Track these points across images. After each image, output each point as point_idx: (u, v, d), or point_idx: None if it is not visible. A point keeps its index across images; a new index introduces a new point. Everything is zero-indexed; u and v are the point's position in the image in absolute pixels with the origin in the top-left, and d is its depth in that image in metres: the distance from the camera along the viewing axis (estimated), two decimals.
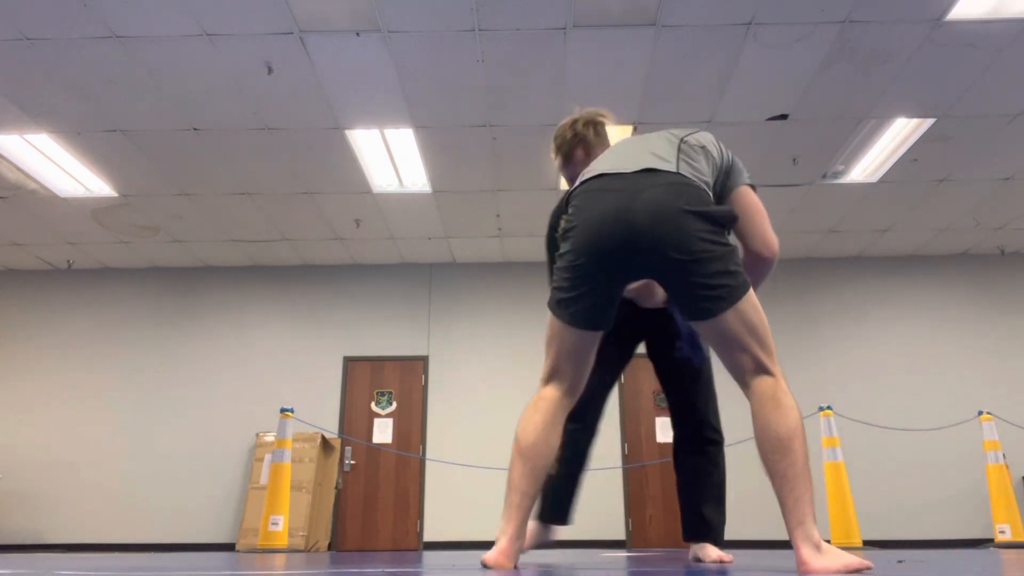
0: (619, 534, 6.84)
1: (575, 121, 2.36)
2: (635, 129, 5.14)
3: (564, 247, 1.72)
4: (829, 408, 5.05)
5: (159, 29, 4.08)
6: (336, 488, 6.95)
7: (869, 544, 5.42)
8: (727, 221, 1.65)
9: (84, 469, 7.11)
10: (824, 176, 5.88)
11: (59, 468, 7.11)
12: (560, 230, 1.76)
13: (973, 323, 7.38)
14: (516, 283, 7.61)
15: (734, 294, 1.59)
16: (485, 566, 1.62)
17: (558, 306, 1.74)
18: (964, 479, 6.85)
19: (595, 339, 1.76)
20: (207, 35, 4.14)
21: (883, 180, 5.92)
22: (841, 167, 5.75)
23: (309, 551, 6.05)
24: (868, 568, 1.42)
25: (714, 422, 2.48)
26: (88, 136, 5.16)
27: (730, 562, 2.32)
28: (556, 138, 2.32)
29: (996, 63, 4.43)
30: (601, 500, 6.92)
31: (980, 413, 5.39)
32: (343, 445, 7.07)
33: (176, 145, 5.30)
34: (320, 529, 6.61)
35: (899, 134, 5.30)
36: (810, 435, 6.86)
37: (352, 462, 7.10)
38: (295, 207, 6.33)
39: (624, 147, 1.83)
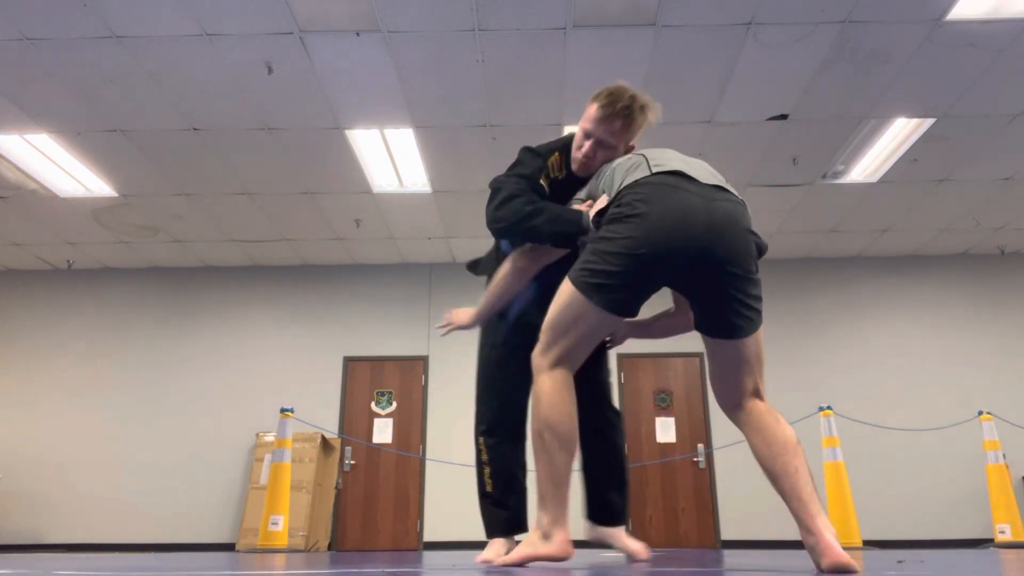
0: None
1: (637, 95, 2.15)
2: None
3: (622, 230, 1.64)
4: (829, 408, 5.05)
5: (159, 29, 4.08)
6: (336, 488, 6.95)
7: (869, 544, 5.42)
8: (763, 250, 1.75)
9: (84, 469, 7.11)
10: (824, 176, 5.88)
11: (59, 468, 7.11)
12: (615, 211, 1.70)
13: (973, 323, 7.38)
14: None
15: (760, 320, 1.72)
16: (554, 559, 1.67)
17: (595, 289, 1.67)
18: (964, 479, 6.85)
19: (613, 327, 1.75)
20: (207, 35, 4.14)
21: (883, 180, 5.92)
22: (841, 167, 5.75)
23: (309, 551, 6.05)
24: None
25: (613, 401, 2.48)
26: (88, 136, 5.16)
27: (648, 556, 2.34)
28: (618, 98, 2.08)
29: (996, 63, 4.43)
30: None
31: (980, 413, 5.39)
32: (343, 445, 7.07)
33: (176, 145, 5.30)
34: (320, 529, 6.61)
35: (899, 134, 5.30)
36: (810, 435, 6.87)
37: (352, 462, 7.10)
38: (295, 207, 6.33)
39: (680, 156, 1.85)
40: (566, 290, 1.73)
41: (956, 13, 3.99)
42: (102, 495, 7.02)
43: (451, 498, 6.94)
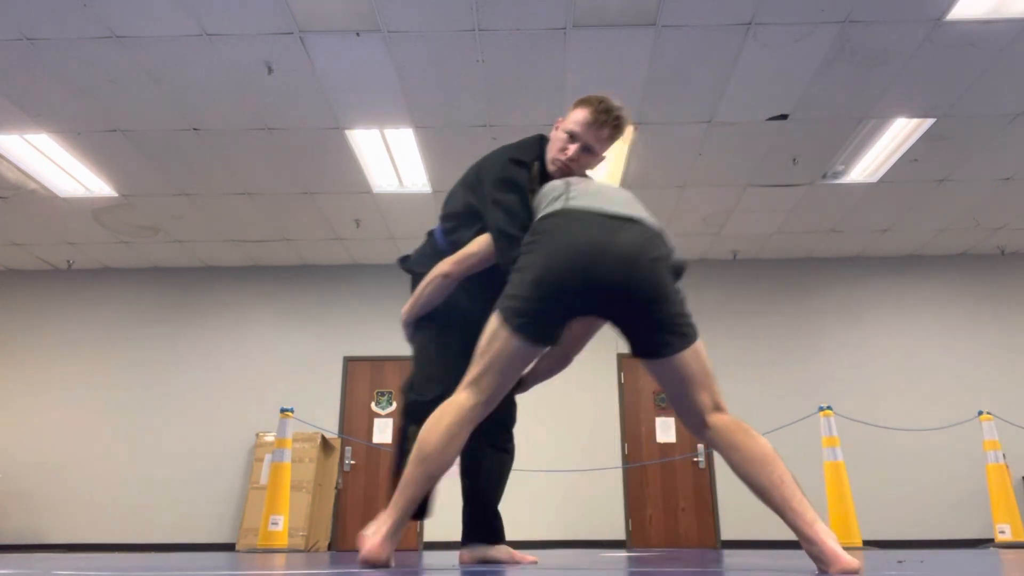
0: (619, 534, 6.84)
1: (623, 108, 2.12)
2: (635, 129, 5.14)
3: (529, 259, 1.73)
4: (829, 408, 5.05)
5: (159, 29, 4.08)
6: (336, 488, 6.95)
7: (869, 544, 5.42)
8: (681, 271, 1.80)
9: (84, 469, 7.11)
10: (824, 176, 5.88)
11: (59, 468, 7.11)
12: (527, 240, 1.77)
13: (973, 323, 7.38)
14: None
15: (693, 334, 1.73)
16: (360, 554, 1.68)
17: (511, 315, 1.72)
18: (964, 479, 6.84)
19: (531, 357, 1.77)
20: (207, 35, 4.14)
21: (883, 180, 5.92)
22: (841, 167, 5.75)
23: (309, 551, 6.05)
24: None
25: (513, 429, 2.46)
26: (88, 136, 5.16)
27: (535, 561, 2.37)
28: (610, 106, 2.07)
29: (996, 63, 4.43)
30: (601, 500, 6.92)
31: (980, 413, 5.39)
32: (343, 445, 7.07)
33: (176, 145, 5.30)
34: (320, 529, 6.61)
35: (899, 134, 5.30)
36: (810, 435, 6.87)
37: (352, 462, 7.10)
38: (295, 207, 6.33)
39: (604, 186, 1.91)
40: (493, 317, 1.78)
41: (956, 13, 3.99)
42: (102, 495, 7.02)
43: (451, 498, 6.94)
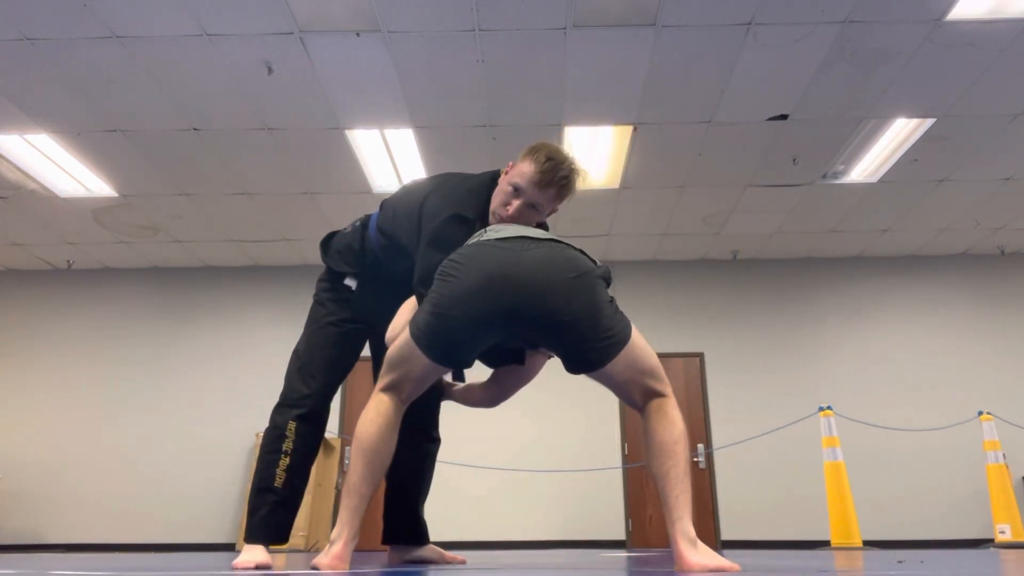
0: (619, 534, 6.84)
1: (574, 163, 2.01)
2: (635, 129, 5.14)
3: (437, 291, 1.70)
4: (829, 408, 5.05)
5: (159, 29, 4.08)
6: (336, 488, 6.95)
7: (869, 544, 5.41)
8: (607, 279, 1.74)
9: (84, 469, 7.10)
10: (824, 176, 5.88)
11: (59, 468, 7.11)
12: (438, 273, 1.73)
13: (973, 323, 7.38)
14: None
15: (620, 343, 1.68)
16: (317, 568, 1.63)
17: (420, 340, 1.72)
18: (964, 479, 6.84)
19: (446, 371, 1.80)
20: (207, 35, 4.14)
21: (883, 180, 5.92)
22: (841, 167, 5.75)
23: (309, 551, 6.05)
24: (736, 570, 1.51)
25: (437, 428, 2.45)
26: (88, 136, 5.16)
27: (463, 562, 2.36)
28: (559, 163, 1.94)
29: (996, 63, 4.43)
30: (601, 500, 6.92)
31: (980, 413, 5.39)
32: (343, 445, 7.07)
33: (176, 145, 5.30)
34: (320, 529, 6.61)
35: (899, 134, 5.30)
36: (810, 435, 6.87)
37: None
38: (295, 207, 6.33)
39: (524, 228, 1.86)
40: (407, 332, 1.77)
41: (956, 13, 3.99)
42: (102, 495, 7.02)
43: (451, 498, 6.94)
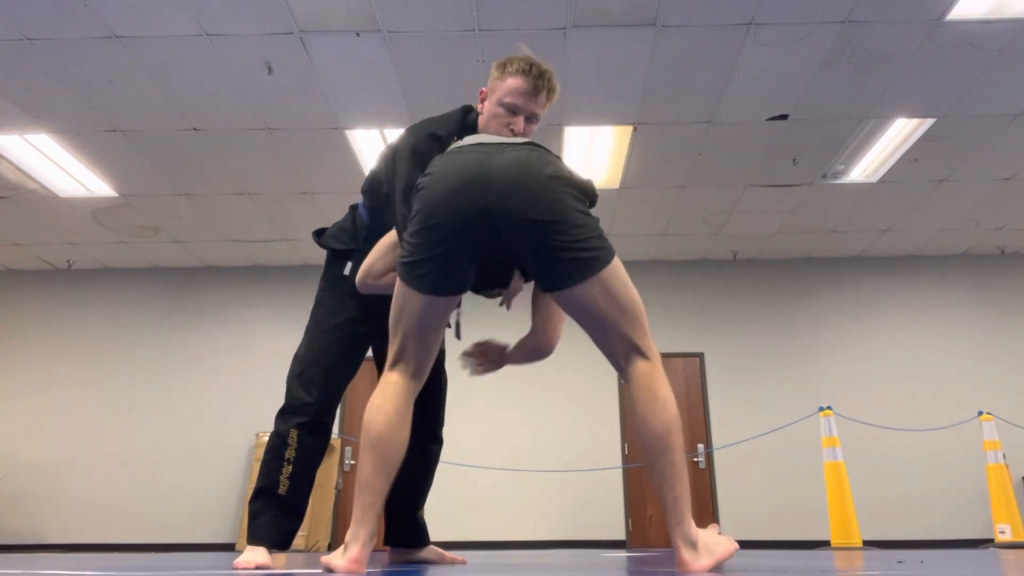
0: (619, 534, 6.85)
1: (553, 74, 1.95)
2: (635, 129, 5.14)
3: (414, 207, 1.60)
4: (829, 408, 5.05)
5: (159, 29, 4.08)
6: (336, 488, 6.95)
7: (869, 544, 5.41)
8: (589, 193, 1.61)
9: (84, 469, 7.11)
10: (824, 176, 5.88)
11: (59, 468, 7.11)
12: (414, 191, 1.64)
13: (973, 323, 7.38)
14: None
15: (596, 262, 1.55)
16: (330, 571, 1.53)
17: (407, 272, 1.61)
18: (964, 479, 6.84)
19: (445, 310, 1.64)
20: (207, 35, 4.14)
21: (883, 180, 5.92)
22: (841, 167, 5.75)
23: (309, 551, 6.05)
24: (735, 549, 1.53)
25: (440, 430, 2.36)
26: (88, 136, 5.16)
27: (464, 562, 2.30)
28: (538, 67, 1.90)
29: (996, 63, 4.43)
30: (601, 500, 6.92)
31: (980, 413, 5.39)
32: (343, 445, 7.07)
33: (176, 145, 5.30)
34: (320, 529, 6.61)
35: (899, 134, 5.30)
36: (810, 435, 6.86)
37: (352, 462, 7.10)
38: (295, 207, 6.33)
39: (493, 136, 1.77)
40: (397, 283, 1.67)
41: (956, 13, 3.99)
42: (102, 495, 7.02)
43: (451, 498, 6.94)
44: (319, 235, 2.27)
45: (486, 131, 1.90)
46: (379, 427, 1.60)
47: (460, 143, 1.66)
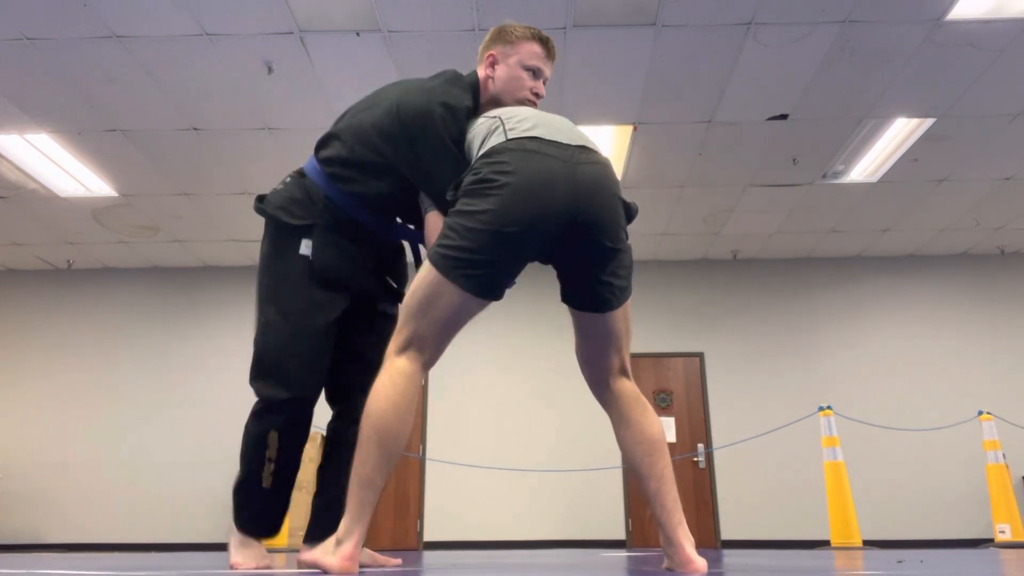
0: (619, 534, 6.85)
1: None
2: (635, 129, 5.14)
3: (482, 203, 1.50)
4: (829, 408, 5.05)
5: (159, 29, 4.08)
6: None
7: (869, 544, 5.41)
8: (633, 215, 1.63)
9: (84, 469, 7.11)
10: (824, 176, 5.88)
11: (59, 468, 7.11)
12: (473, 181, 1.54)
13: (973, 323, 7.38)
14: (516, 282, 7.60)
15: (629, 290, 1.63)
16: (325, 570, 1.45)
17: (454, 268, 1.51)
18: (964, 479, 6.85)
19: (480, 309, 1.58)
20: (207, 35, 4.14)
21: (883, 180, 5.92)
22: (841, 167, 5.75)
23: None
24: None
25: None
26: (88, 136, 5.16)
27: (399, 564, 2.10)
28: (552, 43, 1.91)
29: (996, 63, 4.43)
30: (601, 500, 6.92)
31: (980, 413, 5.39)
32: None
33: (176, 145, 5.30)
34: None
35: (899, 134, 5.30)
36: (810, 435, 6.86)
37: None
38: None
39: (536, 113, 1.70)
40: (425, 268, 1.57)
41: (956, 13, 3.99)
42: (102, 495, 7.02)
43: (451, 498, 6.95)
44: (262, 201, 1.90)
45: (502, 95, 1.87)
46: (387, 419, 1.49)
47: (530, 134, 1.57)
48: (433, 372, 7.30)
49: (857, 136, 5.30)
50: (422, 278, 1.57)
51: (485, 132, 1.67)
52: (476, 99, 1.85)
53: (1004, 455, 5.42)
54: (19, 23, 4.01)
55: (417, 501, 6.96)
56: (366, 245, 1.89)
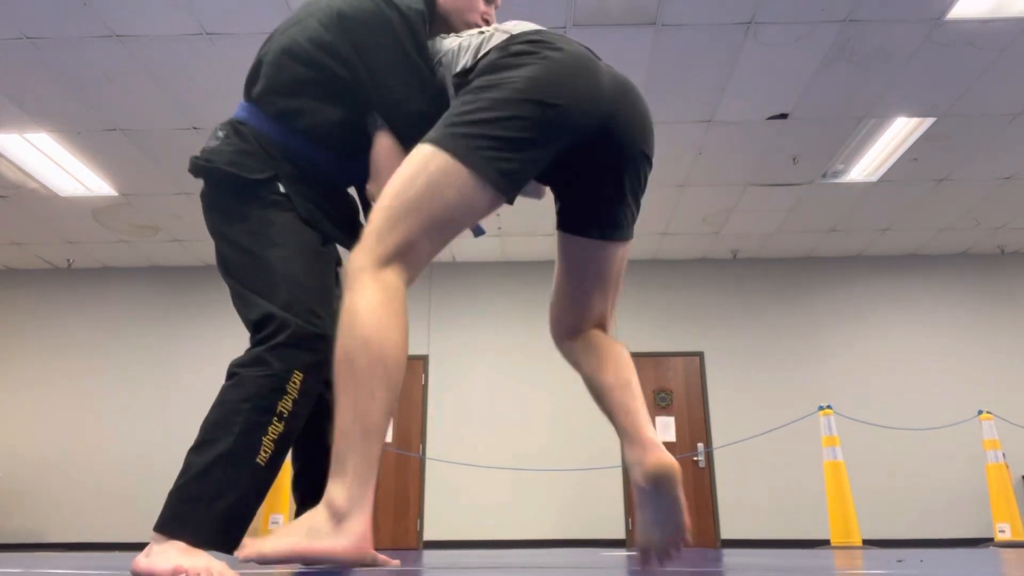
0: (619, 534, 6.85)
1: None
2: None
3: (517, 72, 1.23)
4: (829, 408, 5.05)
5: (159, 28, 4.08)
6: None
7: (869, 543, 5.42)
8: None
9: (84, 469, 7.11)
10: (824, 176, 5.88)
11: (59, 468, 7.12)
12: (498, 57, 1.29)
13: (973, 323, 7.38)
14: (516, 282, 7.61)
15: (633, 230, 1.45)
16: (329, 558, 1.09)
17: (479, 147, 1.20)
18: (964, 479, 6.85)
19: (491, 210, 1.28)
20: (207, 35, 4.15)
21: (883, 180, 5.92)
22: (841, 167, 5.75)
23: None
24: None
25: None
26: (88, 136, 5.16)
27: (398, 565, 1.75)
28: None
29: (996, 63, 4.43)
30: (601, 500, 6.92)
31: (980, 413, 5.39)
32: None
33: (176, 145, 5.30)
34: None
35: (899, 133, 5.30)
36: (810, 435, 6.86)
37: None
38: None
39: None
40: (421, 155, 1.23)
41: (956, 12, 3.99)
42: (102, 494, 7.02)
43: (451, 497, 6.95)
44: (209, 161, 1.48)
45: (450, 15, 1.59)
46: (393, 346, 1.15)
47: (551, 31, 1.34)
48: (433, 371, 7.30)
49: (857, 136, 5.30)
50: (417, 165, 1.22)
51: (478, 43, 1.38)
52: (431, 7, 1.56)
53: (1004, 455, 5.42)
54: (19, 22, 4.01)
55: (417, 501, 6.97)
56: (337, 196, 1.60)
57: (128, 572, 1.31)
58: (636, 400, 1.27)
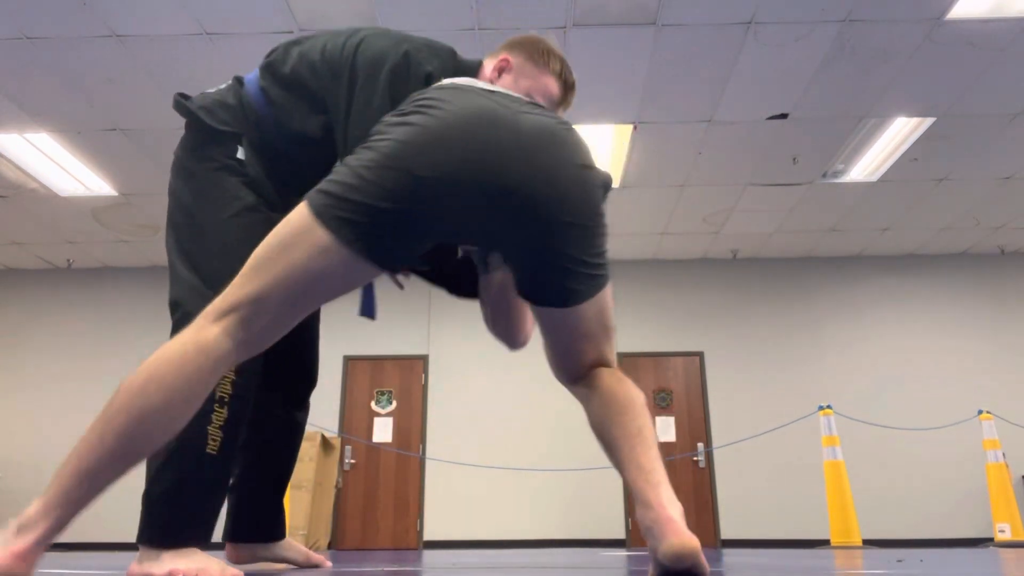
0: (619, 534, 6.85)
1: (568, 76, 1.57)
2: (635, 128, 5.14)
3: (391, 132, 1.14)
4: (829, 408, 5.05)
5: (159, 28, 4.08)
6: (336, 487, 6.96)
7: (869, 544, 5.42)
8: (608, 187, 1.27)
9: None
10: (824, 175, 5.88)
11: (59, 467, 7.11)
12: (388, 120, 1.19)
13: (973, 323, 7.38)
14: None
15: (604, 280, 1.26)
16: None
17: (332, 204, 1.11)
18: (964, 479, 6.85)
19: (362, 280, 1.19)
20: (207, 35, 4.15)
21: (883, 179, 5.92)
22: (841, 166, 5.75)
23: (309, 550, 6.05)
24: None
25: (314, 382, 1.81)
26: (88, 135, 5.16)
27: (329, 567, 1.85)
28: (573, 96, 1.58)
29: (996, 63, 4.43)
30: (601, 500, 6.92)
31: (980, 413, 5.39)
32: (343, 444, 7.07)
33: (176, 144, 5.29)
34: (320, 528, 6.61)
35: (899, 133, 5.30)
36: (810, 434, 6.85)
37: (352, 461, 7.10)
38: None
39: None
40: (294, 212, 1.16)
41: (956, 12, 3.99)
42: (102, 494, 7.01)
43: (451, 497, 6.95)
44: (183, 105, 1.65)
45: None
46: (151, 408, 1.04)
47: (465, 81, 1.26)
48: (433, 370, 7.30)
49: (857, 135, 5.30)
50: (283, 222, 1.15)
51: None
52: (448, 74, 1.48)
53: (1004, 454, 5.42)
54: (19, 22, 4.01)
55: (417, 501, 6.97)
56: (295, 178, 1.54)
57: (126, 573, 1.35)
58: (648, 453, 1.13)
